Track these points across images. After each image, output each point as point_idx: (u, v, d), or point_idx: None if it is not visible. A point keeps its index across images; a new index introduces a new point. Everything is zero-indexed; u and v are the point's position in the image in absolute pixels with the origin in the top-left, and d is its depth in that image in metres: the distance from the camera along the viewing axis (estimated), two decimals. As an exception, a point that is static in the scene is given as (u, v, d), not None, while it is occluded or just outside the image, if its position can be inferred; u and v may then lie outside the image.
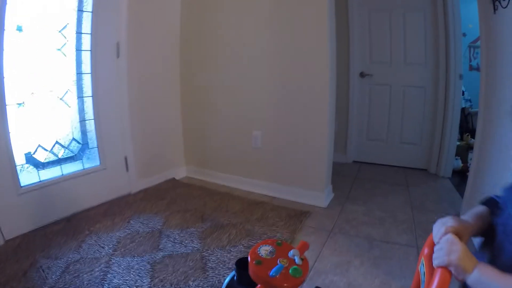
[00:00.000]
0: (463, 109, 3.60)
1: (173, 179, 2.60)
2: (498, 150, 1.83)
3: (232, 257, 1.53)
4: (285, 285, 0.74)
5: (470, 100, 3.90)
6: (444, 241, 0.59)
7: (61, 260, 1.50)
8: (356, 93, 3.21)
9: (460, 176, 3.09)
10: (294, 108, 2.16)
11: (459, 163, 3.21)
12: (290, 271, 0.76)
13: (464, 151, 3.31)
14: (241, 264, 0.84)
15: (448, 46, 2.89)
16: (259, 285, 0.75)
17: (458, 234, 0.60)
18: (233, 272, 0.88)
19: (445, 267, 0.56)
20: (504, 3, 1.69)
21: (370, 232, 1.88)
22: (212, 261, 1.50)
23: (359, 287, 1.42)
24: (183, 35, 2.55)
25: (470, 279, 0.54)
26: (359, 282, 1.44)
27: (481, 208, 0.72)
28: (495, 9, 1.83)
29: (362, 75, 3.16)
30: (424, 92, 3.10)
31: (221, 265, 1.47)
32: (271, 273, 0.75)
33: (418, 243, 1.80)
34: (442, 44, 2.93)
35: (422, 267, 0.71)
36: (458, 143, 3.18)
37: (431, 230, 1.67)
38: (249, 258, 0.78)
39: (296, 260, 0.80)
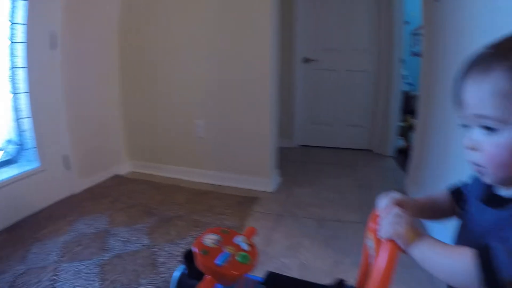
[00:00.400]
0: (405, 92, 3.81)
1: (118, 175, 2.50)
2: (437, 129, 1.97)
3: (181, 250, 1.51)
4: (233, 272, 0.72)
5: (412, 84, 4.14)
6: (390, 214, 0.58)
7: (6, 274, 1.39)
8: (301, 79, 3.26)
9: (404, 155, 3.27)
10: (236, 95, 2.15)
11: (401, 143, 3.42)
12: (238, 258, 0.74)
13: (406, 131, 3.52)
14: (190, 257, 0.79)
15: (391, 32, 3.04)
16: (207, 276, 0.72)
17: (401, 207, 0.59)
18: (182, 266, 0.84)
19: (392, 239, 0.55)
20: None
21: (319, 213, 1.93)
22: (162, 256, 1.47)
23: (312, 267, 1.45)
24: (123, 25, 2.43)
25: (414, 250, 0.53)
26: (311, 262, 1.47)
27: (442, 193, 0.70)
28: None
29: (306, 60, 3.21)
30: (368, 76, 3.24)
31: (171, 259, 1.44)
32: (218, 262, 0.72)
33: (364, 219, 1.86)
34: (385, 30, 3.08)
35: (369, 242, 0.72)
36: (400, 124, 3.36)
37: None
38: (192, 248, 0.74)
39: (243, 247, 0.78)
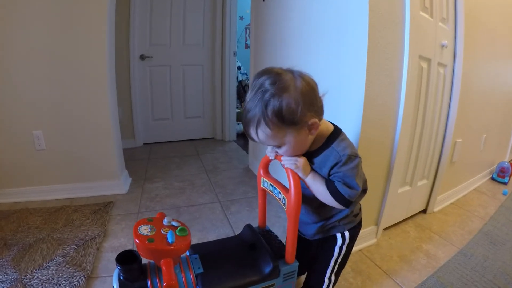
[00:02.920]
0: (240, 82, 4.33)
1: None
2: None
3: (53, 272, 1.41)
4: (186, 243, 0.85)
5: (246, 74, 4.72)
6: (291, 157, 0.91)
7: None
8: (137, 77, 3.25)
9: (244, 138, 3.80)
10: (74, 98, 1.99)
11: (241, 127, 3.91)
12: (179, 233, 0.86)
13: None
14: (122, 260, 0.84)
15: (224, 27, 3.41)
16: (163, 260, 0.80)
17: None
18: (116, 272, 0.85)
19: (293, 170, 0.89)
20: None
21: (175, 202, 2.09)
22: (36, 284, 1.34)
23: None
24: None
25: (308, 179, 0.91)
26: (179, 246, 1.67)
27: None
28: None
29: (142, 57, 3.23)
30: (202, 70, 3.53)
31: (46, 284, 1.34)
32: (170, 241, 0.82)
33: (219, 198, 2.16)
34: (219, 26, 3.42)
35: (266, 183, 1.06)
36: (238, 110, 3.83)
37: (227, 186, 2.16)
38: (137, 242, 0.80)
39: (174, 224, 0.90)
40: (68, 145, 2.07)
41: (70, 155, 2.09)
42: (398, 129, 1.52)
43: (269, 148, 0.95)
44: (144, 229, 0.85)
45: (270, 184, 1.02)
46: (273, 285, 0.95)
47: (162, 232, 0.85)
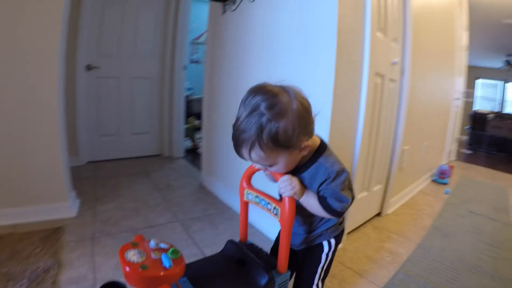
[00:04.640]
0: (186, 96, 4.32)
1: None
2: (220, 126, 2.45)
3: None
4: (182, 266, 0.79)
5: (191, 89, 4.71)
6: (285, 179, 0.92)
7: None
8: (83, 88, 3.06)
9: (192, 154, 3.78)
10: (19, 113, 1.84)
11: (189, 143, 3.90)
12: (171, 255, 0.80)
13: (191, 132, 4.03)
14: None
15: (175, 40, 3.39)
16: (163, 286, 0.74)
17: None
18: None
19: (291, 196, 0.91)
20: (233, 7, 2.22)
21: (132, 224, 1.99)
22: None
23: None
24: None
25: (303, 200, 0.95)
26: (145, 270, 1.59)
27: None
28: (223, 11, 2.36)
29: (89, 67, 3.05)
30: (151, 83, 3.46)
31: None
32: (166, 265, 0.76)
33: (178, 217, 2.11)
34: (170, 38, 3.39)
35: (250, 195, 1.06)
36: (185, 126, 3.80)
37: (184, 204, 2.15)
38: (127, 270, 0.72)
39: (163, 246, 0.84)
40: (8, 165, 1.87)
41: (10, 175, 1.88)
42: (359, 139, 1.70)
43: (258, 165, 0.96)
44: (133, 255, 0.77)
45: (256, 195, 1.03)
46: None
47: (153, 256, 0.79)
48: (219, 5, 2.42)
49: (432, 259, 1.79)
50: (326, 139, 1.47)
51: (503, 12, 5.69)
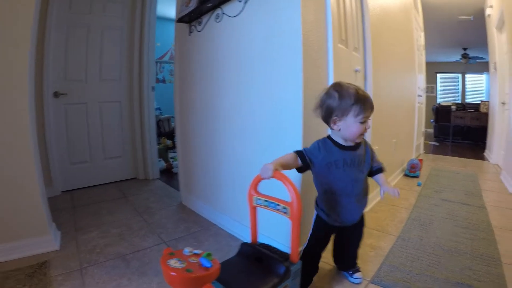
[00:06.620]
0: (155, 117, 4.37)
1: None
2: (195, 143, 2.55)
3: None
4: (218, 265, 0.97)
5: (159, 108, 4.77)
6: (263, 167, 1.20)
7: None
8: (52, 116, 3.08)
9: (167, 174, 3.84)
10: None
11: (163, 164, 3.95)
12: (208, 257, 0.97)
13: (164, 152, 4.09)
14: None
15: (142, 62, 3.47)
16: (206, 286, 0.90)
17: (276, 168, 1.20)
18: None
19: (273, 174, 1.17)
20: (199, 28, 2.35)
21: (118, 250, 2.03)
22: None
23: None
24: None
25: (279, 169, 1.22)
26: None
27: (291, 155, 1.33)
28: (190, 32, 2.48)
29: (56, 95, 3.08)
30: (120, 106, 3.50)
31: None
32: (208, 266, 0.93)
33: (163, 239, 2.17)
34: (136, 60, 3.47)
35: (259, 200, 1.29)
36: (158, 146, 3.85)
37: (167, 225, 2.26)
38: (174, 275, 0.88)
39: (196, 252, 1.01)
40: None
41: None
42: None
43: (268, 166, 1.21)
44: (174, 262, 0.93)
45: (264, 200, 1.25)
46: (287, 285, 1.15)
47: (192, 261, 0.95)
48: (185, 25, 2.54)
49: (412, 248, 1.97)
50: (298, 145, 1.64)
51: (458, 10, 6.19)
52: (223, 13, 2.11)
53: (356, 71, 2.13)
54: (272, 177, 1.17)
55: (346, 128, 1.29)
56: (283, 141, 1.75)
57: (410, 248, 1.97)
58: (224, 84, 2.17)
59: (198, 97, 2.46)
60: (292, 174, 1.33)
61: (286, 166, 1.29)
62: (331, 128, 1.34)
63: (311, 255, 1.50)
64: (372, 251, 1.96)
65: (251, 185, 1.30)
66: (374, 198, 2.71)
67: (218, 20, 2.17)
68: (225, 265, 1.21)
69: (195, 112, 2.53)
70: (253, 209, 1.32)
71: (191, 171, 2.70)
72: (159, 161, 3.86)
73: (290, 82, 1.67)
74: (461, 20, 6.73)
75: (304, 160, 1.32)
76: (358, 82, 2.19)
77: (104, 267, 1.87)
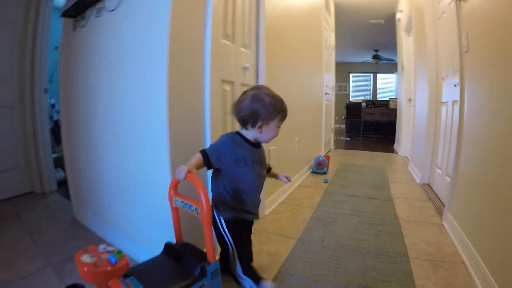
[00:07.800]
0: (56, 121, 4.00)
1: None
2: (83, 151, 2.36)
3: None
4: (126, 262, 1.08)
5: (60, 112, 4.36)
6: (179, 169, 1.23)
7: None
8: None
9: (66, 185, 3.50)
10: None
11: (61, 174, 3.60)
12: (116, 255, 1.09)
13: (63, 161, 3.74)
14: None
15: (34, 61, 3.10)
16: (112, 281, 1.01)
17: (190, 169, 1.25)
18: None
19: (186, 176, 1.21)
20: (83, 23, 2.16)
21: (1, 278, 1.76)
22: None
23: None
24: None
25: (193, 170, 1.27)
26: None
27: (198, 155, 1.37)
28: (74, 28, 2.26)
29: None
30: (11, 112, 3.11)
31: None
32: (113, 261, 1.04)
33: (50, 261, 1.93)
34: (29, 58, 3.09)
35: (177, 201, 1.34)
36: (55, 155, 3.52)
37: (55, 245, 2.05)
38: (85, 270, 0.99)
39: (109, 249, 1.12)
40: None
41: None
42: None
43: (182, 168, 1.24)
44: (87, 257, 1.04)
45: (181, 201, 1.31)
46: (204, 285, 1.22)
47: (102, 257, 1.06)
48: (71, 21, 2.34)
49: (313, 252, 1.88)
50: (165, 150, 1.55)
51: (370, 13, 6.62)
52: (104, 7, 1.96)
53: (245, 68, 2.10)
54: (185, 178, 1.22)
55: (267, 133, 1.41)
56: (152, 149, 1.65)
57: (310, 252, 1.89)
58: (101, 86, 2.02)
59: (81, 101, 2.27)
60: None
61: (199, 166, 1.36)
62: (248, 130, 1.43)
63: (243, 243, 1.54)
64: (268, 258, 1.85)
65: (170, 186, 1.36)
66: (275, 200, 2.68)
67: (98, 15, 2.02)
68: (147, 263, 1.32)
69: (77, 117, 2.33)
70: (175, 210, 1.38)
71: (81, 183, 2.47)
72: (58, 171, 3.53)
73: (156, 79, 1.58)
74: (373, 23, 7.22)
75: (207, 160, 1.38)
76: (247, 79, 2.17)
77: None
